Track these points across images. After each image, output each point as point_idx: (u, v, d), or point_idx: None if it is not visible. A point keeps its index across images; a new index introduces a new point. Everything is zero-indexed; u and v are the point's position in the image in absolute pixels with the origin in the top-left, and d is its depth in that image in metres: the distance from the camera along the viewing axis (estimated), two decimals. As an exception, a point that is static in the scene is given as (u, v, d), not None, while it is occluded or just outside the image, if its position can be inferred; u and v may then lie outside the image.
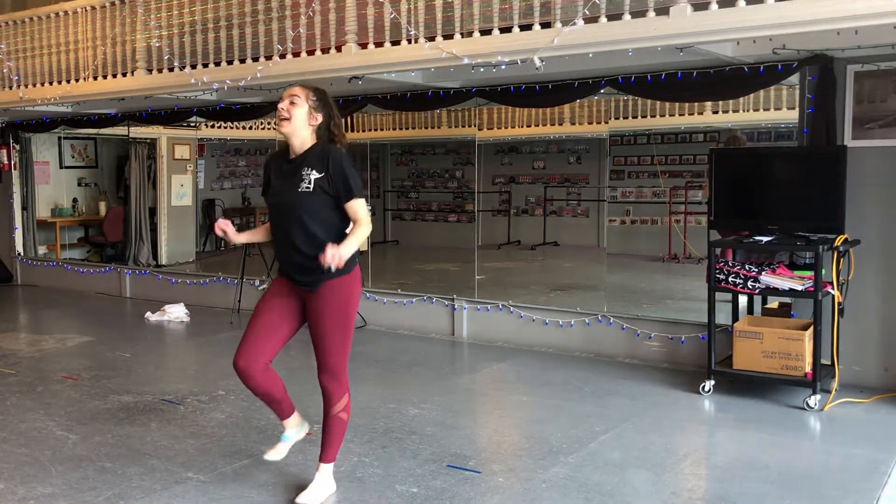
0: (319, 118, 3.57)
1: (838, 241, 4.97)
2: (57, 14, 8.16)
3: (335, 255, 3.24)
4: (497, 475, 3.96)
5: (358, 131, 10.24)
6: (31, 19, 8.41)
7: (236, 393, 5.34)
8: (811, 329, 5.00)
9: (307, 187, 3.46)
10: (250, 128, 10.19)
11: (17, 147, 10.80)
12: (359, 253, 3.62)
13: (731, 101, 6.78)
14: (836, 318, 5.09)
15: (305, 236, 3.47)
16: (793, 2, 4.40)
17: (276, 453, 3.81)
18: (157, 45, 7.33)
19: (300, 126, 3.53)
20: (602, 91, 6.31)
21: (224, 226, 3.63)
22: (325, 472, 3.72)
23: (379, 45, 6.04)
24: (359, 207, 3.49)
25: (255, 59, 6.71)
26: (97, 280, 10.01)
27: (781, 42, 5.10)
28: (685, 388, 5.42)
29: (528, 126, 9.89)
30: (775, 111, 6.63)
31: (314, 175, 3.47)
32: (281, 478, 3.94)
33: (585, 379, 5.70)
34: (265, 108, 8.16)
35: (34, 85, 8.47)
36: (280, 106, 3.54)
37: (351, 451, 4.27)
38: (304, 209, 3.46)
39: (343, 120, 4.04)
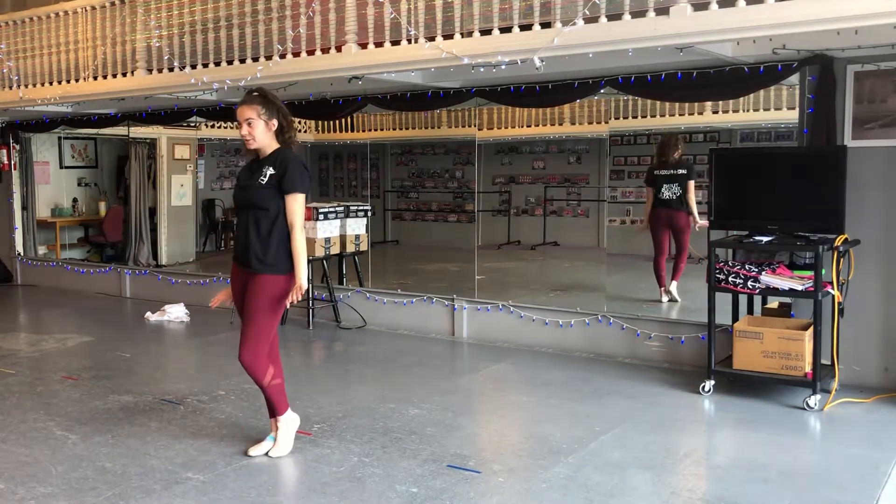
0: (275, 123, 4.05)
1: (838, 241, 4.97)
2: (57, 14, 8.16)
3: (298, 289, 3.95)
4: (497, 475, 3.96)
5: (358, 131, 10.24)
6: (31, 19, 8.41)
7: (236, 393, 5.34)
8: (811, 329, 5.00)
9: (262, 181, 4.00)
10: (250, 128, 10.17)
11: (17, 147, 10.80)
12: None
13: (731, 101, 6.78)
14: (836, 318, 5.09)
15: (255, 223, 4.01)
16: (793, 2, 4.40)
17: (260, 449, 4.21)
18: (157, 45, 7.33)
19: (263, 138, 4.05)
20: (602, 91, 6.31)
21: (219, 301, 4.34)
22: (284, 421, 4.20)
23: (379, 45, 6.04)
24: (294, 202, 3.99)
25: (255, 59, 6.71)
26: (97, 280, 10.01)
27: (781, 42, 5.10)
28: (685, 388, 5.42)
29: (528, 126, 9.88)
30: (775, 111, 6.63)
31: (270, 171, 4.01)
32: (281, 478, 3.94)
33: (585, 379, 5.70)
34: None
35: (34, 85, 8.47)
36: (242, 133, 4.03)
37: (351, 451, 4.27)
38: (257, 199, 4.00)
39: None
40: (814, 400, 4.91)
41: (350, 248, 8.07)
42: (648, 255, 7.73)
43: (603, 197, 9.72)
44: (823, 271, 4.90)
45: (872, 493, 3.74)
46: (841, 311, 5.12)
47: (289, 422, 4.24)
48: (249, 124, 4.00)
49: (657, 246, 7.45)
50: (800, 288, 4.97)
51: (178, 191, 10.63)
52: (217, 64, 6.95)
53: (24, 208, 10.89)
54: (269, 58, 6.61)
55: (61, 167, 11.38)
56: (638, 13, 4.91)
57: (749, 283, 5.14)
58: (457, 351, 6.78)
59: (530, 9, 5.33)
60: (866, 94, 5.26)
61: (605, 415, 4.88)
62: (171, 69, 7.28)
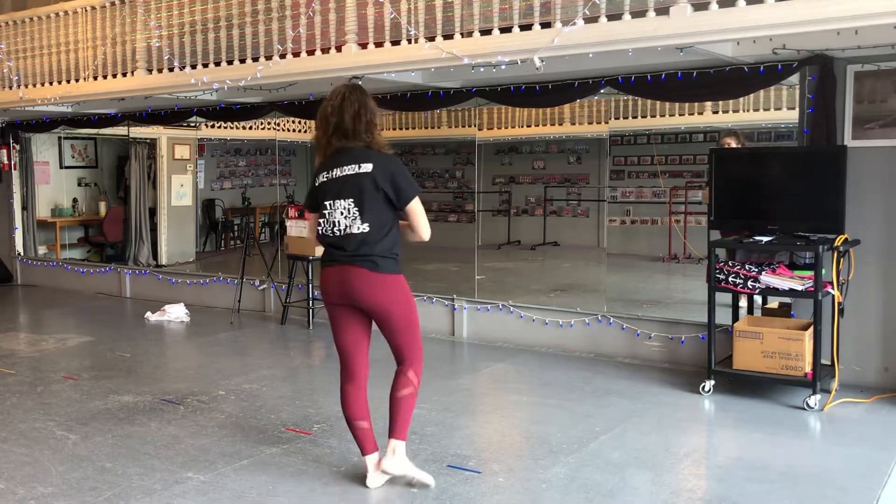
0: None
1: (838, 241, 4.97)
2: (57, 14, 8.16)
3: None
4: (497, 475, 3.96)
5: (358, 131, 10.19)
6: (31, 19, 8.41)
7: (236, 393, 5.34)
8: (811, 329, 5.00)
9: None
10: (250, 128, 10.18)
11: (17, 147, 10.80)
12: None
13: (731, 101, 6.78)
14: (836, 318, 5.09)
15: None
16: (793, 2, 4.41)
17: (378, 480, 3.83)
18: (157, 45, 7.33)
19: None
20: (602, 91, 6.30)
21: None
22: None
23: (379, 45, 6.04)
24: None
25: (255, 59, 6.71)
26: (97, 280, 10.01)
27: (781, 42, 5.10)
28: (685, 388, 5.42)
29: (528, 126, 9.89)
30: (775, 111, 6.63)
31: None
32: (280, 478, 3.94)
33: (585, 379, 5.70)
34: (265, 108, 8.16)
35: (34, 85, 8.47)
36: None
37: (351, 450, 4.27)
38: None
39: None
40: (814, 400, 4.91)
41: (350, 248, 8.04)
42: (648, 255, 7.74)
43: (603, 197, 9.72)
44: (823, 271, 4.90)
45: (872, 493, 3.74)
46: (841, 311, 5.12)
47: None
48: None
49: None
50: (800, 288, 4.97)
51: (178, 191, 10.63)
52: (217, 64, 6.95)
53: (24, 208, 10.89)
54: (269, 58, 6.60)
55: (61, 167, 11.38)
56: (638, 13, 4.91)
57: (749, 283, 5.14)
58: (457, 351, 6.77)
59: (530, 9, 5.33)
60: (866, 94, 5.26)
61: (605, 415, 4.88)
62: (171, 69, 7.28)
